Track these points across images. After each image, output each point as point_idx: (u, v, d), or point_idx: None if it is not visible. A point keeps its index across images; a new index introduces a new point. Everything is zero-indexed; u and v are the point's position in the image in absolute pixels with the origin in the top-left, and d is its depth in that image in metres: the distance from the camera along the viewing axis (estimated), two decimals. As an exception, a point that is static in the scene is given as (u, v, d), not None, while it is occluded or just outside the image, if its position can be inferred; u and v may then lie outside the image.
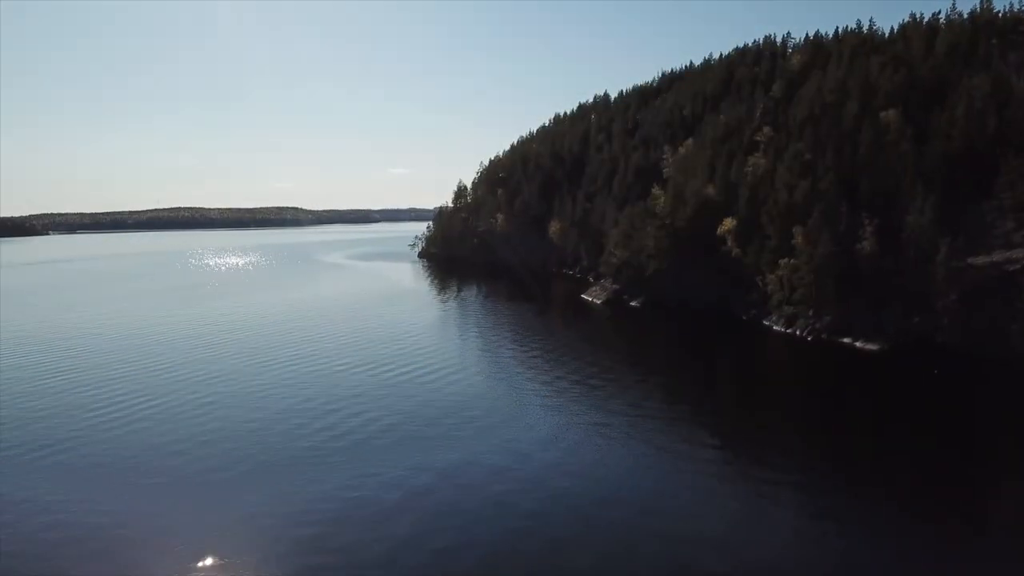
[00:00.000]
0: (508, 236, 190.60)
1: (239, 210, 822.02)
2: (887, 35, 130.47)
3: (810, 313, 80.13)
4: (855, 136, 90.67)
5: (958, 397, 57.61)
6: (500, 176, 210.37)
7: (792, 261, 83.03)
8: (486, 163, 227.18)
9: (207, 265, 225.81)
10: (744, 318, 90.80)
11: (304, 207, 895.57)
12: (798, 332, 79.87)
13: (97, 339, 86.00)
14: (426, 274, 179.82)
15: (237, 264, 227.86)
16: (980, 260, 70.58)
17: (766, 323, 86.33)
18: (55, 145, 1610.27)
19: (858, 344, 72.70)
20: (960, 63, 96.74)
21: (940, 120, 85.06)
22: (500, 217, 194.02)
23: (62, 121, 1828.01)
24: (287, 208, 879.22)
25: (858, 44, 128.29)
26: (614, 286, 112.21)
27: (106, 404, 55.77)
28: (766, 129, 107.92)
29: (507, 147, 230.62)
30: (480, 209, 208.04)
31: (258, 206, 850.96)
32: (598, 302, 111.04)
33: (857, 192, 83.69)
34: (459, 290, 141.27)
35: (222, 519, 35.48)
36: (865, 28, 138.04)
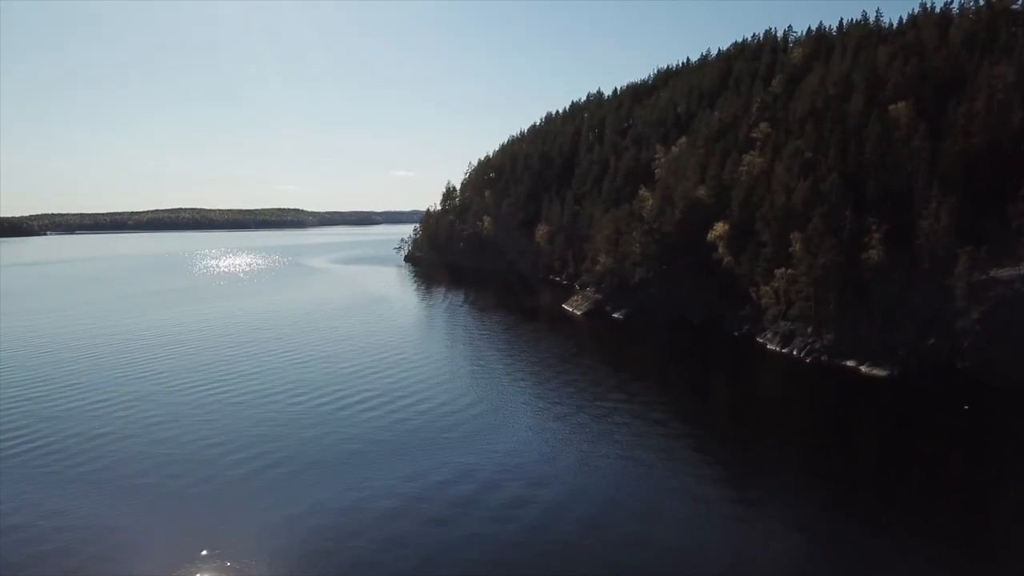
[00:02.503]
0: (495, 240, 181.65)
1: (240, 211, 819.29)
2: (895, 26, 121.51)
3: (809, 331, 70.64)
4: (861, 132, 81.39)
5: (980, 433, 48.27)
6: (488, 177, 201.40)
7: (789, 271, 73.63)
8: (475, 163, 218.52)
9: (190, 268, 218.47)
10: (736, 334, 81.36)
11: (306, 209, 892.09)
12: (795, 352, 70.37)
13: (29, 349, 77.90)
14: (405, 280, 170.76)
15: (221, 267, 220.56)
16: (1006, 273, 61.17)
17: (760, 340, 76.86)
18: (57, 146, 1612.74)
19: (863, 368, 63.10)
20: (979, 52, 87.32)
21: (957, 114, 75.69)
22: (487, 220, 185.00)
23: (64, 122, 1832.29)
24: (288, 210, 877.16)
25: (864, 36, 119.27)
26: (596, 296, 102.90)
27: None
28: (763, 125, 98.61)
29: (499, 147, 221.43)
30: (467, 211, 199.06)
31: (259, 207, 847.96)
32: (578, 313, 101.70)
33: (863, 194, 74.29)
34: (433, 299, 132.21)
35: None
36: (872, 20, 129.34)
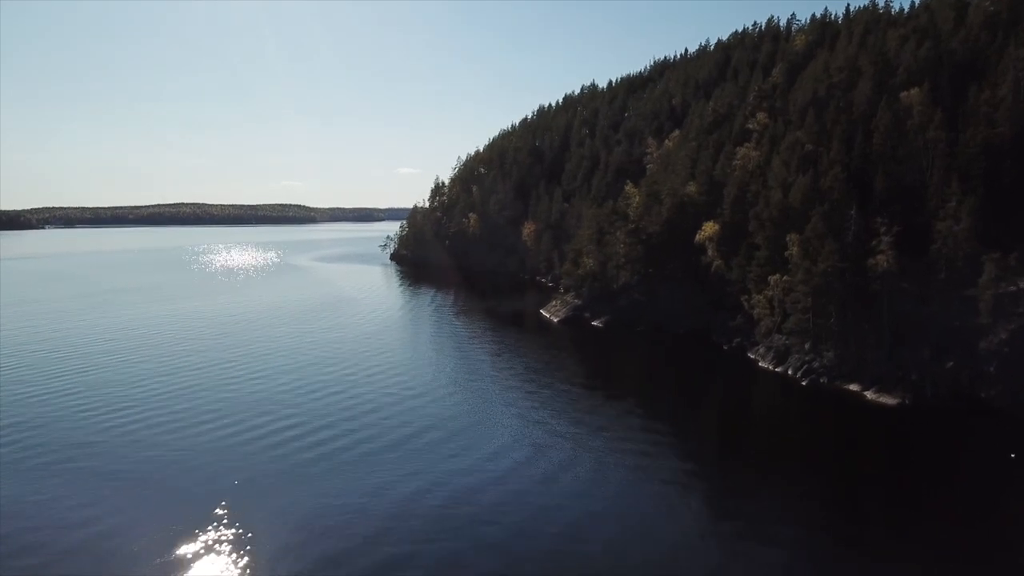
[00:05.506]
0: (480, 239, 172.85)
1: (241, 207, 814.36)
2: (906, 11, 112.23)
3: (806, 347, 61.59)
4: (868, 122, 72.31)
5: (1010, 479, 39.29)
6: (478, 173, 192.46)
7: (785, 278, 64.62)
8: (464, 158, 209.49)
9: (170, 264, 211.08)
10: (725, 348, 72.37)
11: (309, 204, 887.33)
12: (790, 371, 61.26)
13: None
14: (383, 280, 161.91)
15: (203, 263, 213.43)
16: (1038, 284, 52.07)
17: (751, 356, 67.86)
18: (59, 140, 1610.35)
19: (869, 394, 53.92)
20: (1001, 34, 78.00)
21: (979, 101, 66.43)
22: (473, 217, 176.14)
23: (66, 116, 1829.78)
24: (290, 205, 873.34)
25: (872, 20, 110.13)
26: (575, 301, 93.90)
27: None
28: (760, 115, 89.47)
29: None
30: (454, 208, 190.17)
31: (262, 203, 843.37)
32: (555, 320, 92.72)
33: (870, 191, 65.26)
34: (404, 301, 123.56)
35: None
36: (880, 6, 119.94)
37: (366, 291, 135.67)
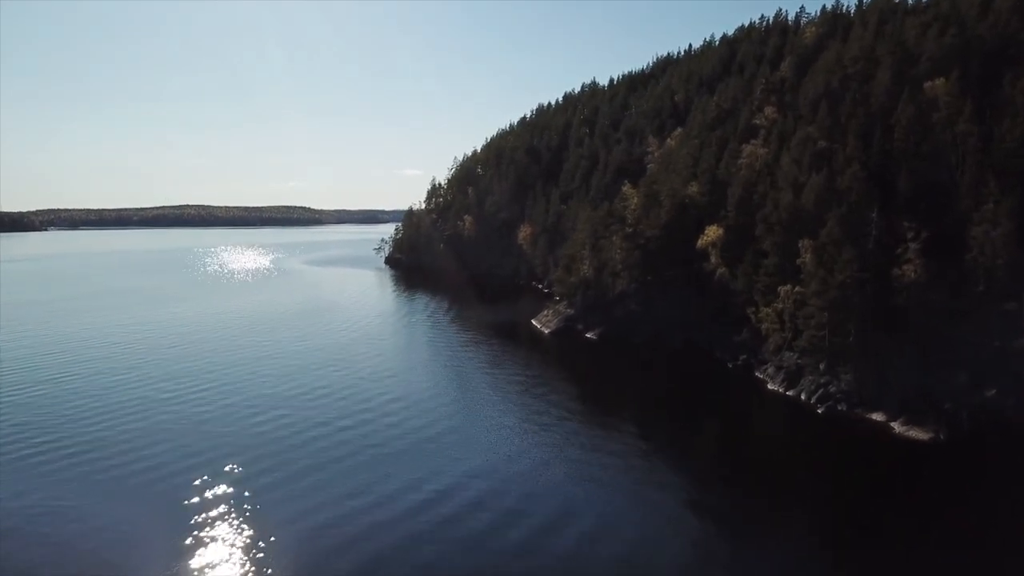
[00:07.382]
0: (476, 242, 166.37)
1: (246, 208, 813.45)
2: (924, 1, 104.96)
3: (821, 368, 54.57)
4: (888, 115, 65.34)
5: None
6: (474, 174, 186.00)
7: (797, 289, 57.69)
8: (460, 158, 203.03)
9: (165, 264, 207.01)
10: (730, 365, 65.37)
11: (313, 206, 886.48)
12: (803, 396, 54.25)
13: None
14: (374, 286, 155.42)
15: (196, 263, 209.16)
16: (1092, 298, 45.03)
17: (759, 375, 60.86)
18: (61, 140, 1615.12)
19: (895, 426, 46.82)
20: (1034, 19, 70.87)
21: (1016, 90, 59.33)
22: (468, 219, 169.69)
23: (68, 117, 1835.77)
24: (295, 207, 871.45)
25: (888, 10, 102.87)
26: (568, 311, 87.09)
27: None
28: (768, 110, 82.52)
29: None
30: (449, 210, 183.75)
31: (267, 204, 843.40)
32: (546, 331, 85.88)
33: (894, 191, 58.32)
34: (389, 308, 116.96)
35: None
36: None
37: (352, 298, 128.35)
